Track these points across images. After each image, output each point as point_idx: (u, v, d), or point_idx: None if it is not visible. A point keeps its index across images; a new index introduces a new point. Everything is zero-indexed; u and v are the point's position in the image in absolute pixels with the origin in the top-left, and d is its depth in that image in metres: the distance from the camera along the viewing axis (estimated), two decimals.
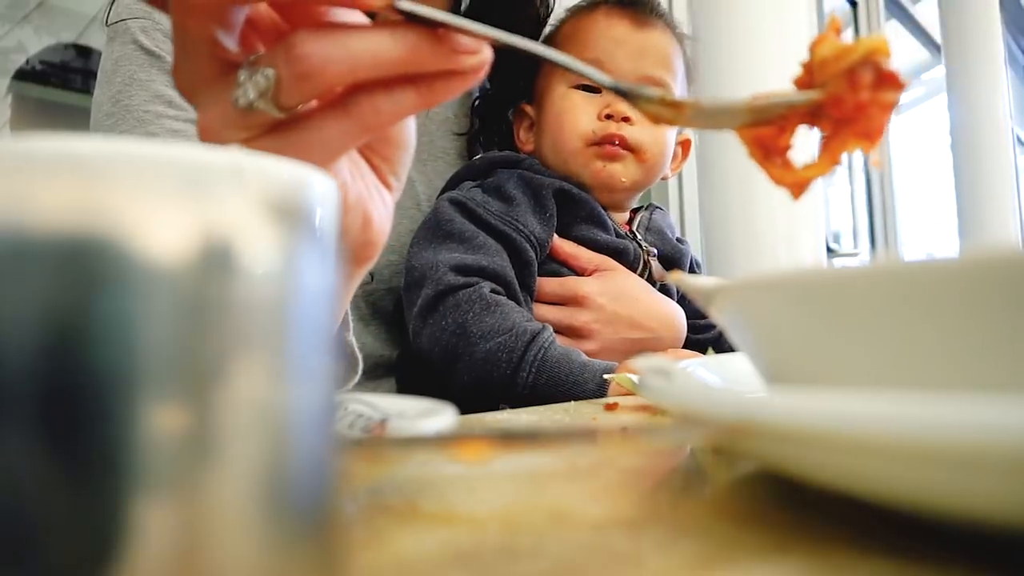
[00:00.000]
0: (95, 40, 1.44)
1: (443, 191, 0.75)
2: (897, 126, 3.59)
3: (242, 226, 0.12)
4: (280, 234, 0.13)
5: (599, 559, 0.17)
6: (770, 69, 1.44)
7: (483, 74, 0.28)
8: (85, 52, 1.46)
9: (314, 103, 0.28)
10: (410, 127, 0.33)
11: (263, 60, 0.26)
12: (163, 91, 0.61)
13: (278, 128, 0.27)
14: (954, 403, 0.14)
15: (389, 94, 0.27)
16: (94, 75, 0.64)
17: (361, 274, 0.36)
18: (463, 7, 0.74)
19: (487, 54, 0.27)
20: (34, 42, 1.42)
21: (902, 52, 4.17)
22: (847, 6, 3.47)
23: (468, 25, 0.26)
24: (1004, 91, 3.47)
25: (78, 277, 0.11)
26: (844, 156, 0.26)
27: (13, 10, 1.40)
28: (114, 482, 0.11)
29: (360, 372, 0.47)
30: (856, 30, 3.48)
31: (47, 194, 0.11)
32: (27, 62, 1.41)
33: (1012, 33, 4.53)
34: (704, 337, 0.76)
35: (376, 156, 0.33)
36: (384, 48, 0.26)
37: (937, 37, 3.80)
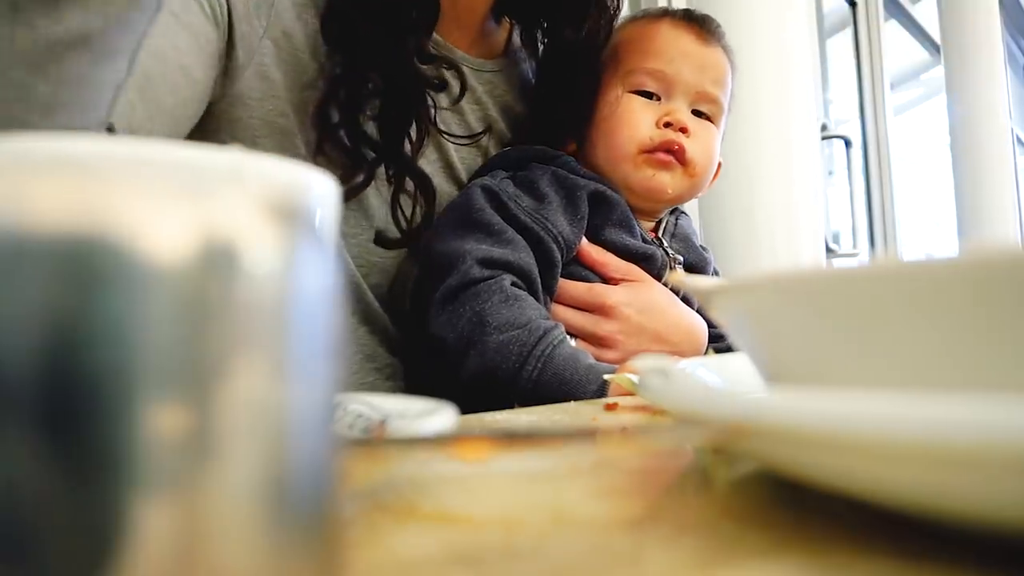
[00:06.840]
0: None
1: (475, 176, 0.74)
2: (897, 126, 3.58)
3: (242, 227, 0.12)
4: (280, 234, 0.13)
5: (599, 559, 0.17)
6: (770, 69, 1.44)
7: None
8: None
9: None
10: None
11: None
12: None
13: None
14: (954, 403, 0.14)
15: None
16: None
17: None
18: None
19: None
20: None
21: (902, 52, 4.17)
22: (847, 6, 3.47)
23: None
24: (1004, 91, 3.47)
25: (77, 277, 0.11)
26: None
27: None
28: (114, 482, 0.11)
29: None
30: (856, 30, 3.47)
31: (46, 194, 0.11)
32: None
33: (1012, 33, 4.53)
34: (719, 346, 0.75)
35: None
36: None
37: (937, 37, 3.80)
